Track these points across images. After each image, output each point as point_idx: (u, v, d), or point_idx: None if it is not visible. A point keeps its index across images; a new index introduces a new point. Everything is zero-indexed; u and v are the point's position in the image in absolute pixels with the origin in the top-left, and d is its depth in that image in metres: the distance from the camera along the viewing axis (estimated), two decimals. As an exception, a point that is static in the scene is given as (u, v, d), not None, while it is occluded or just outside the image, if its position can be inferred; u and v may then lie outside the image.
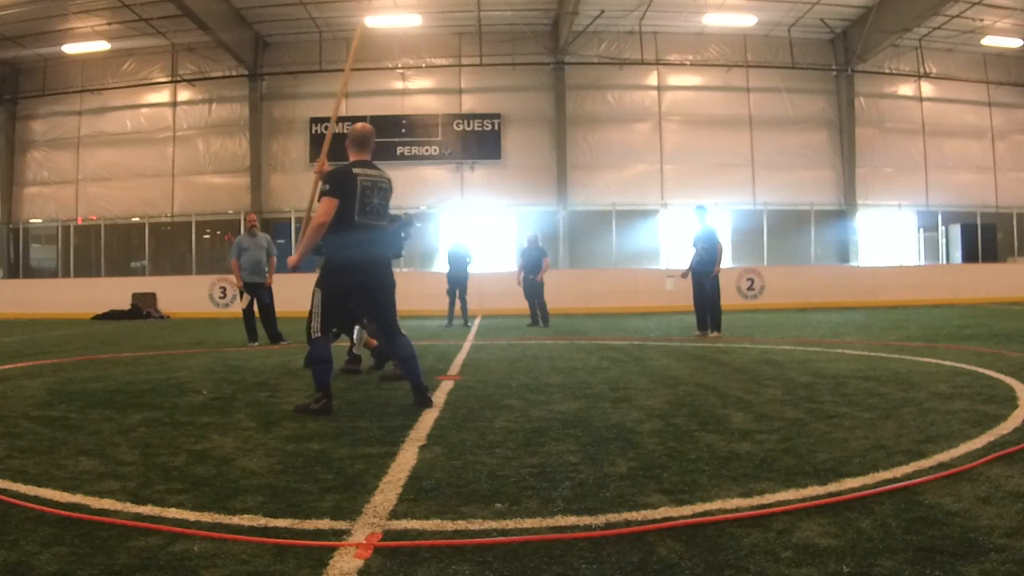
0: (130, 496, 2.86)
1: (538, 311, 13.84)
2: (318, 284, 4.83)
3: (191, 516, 2.62)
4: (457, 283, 14.54)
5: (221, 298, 19.74)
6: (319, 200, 4.77)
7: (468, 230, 21.76)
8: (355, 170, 4.81)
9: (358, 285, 4.82)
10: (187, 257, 22.55)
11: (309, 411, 4.66)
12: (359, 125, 5.12)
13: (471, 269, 14.84)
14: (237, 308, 11.30)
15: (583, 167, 22.43)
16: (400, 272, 22.91)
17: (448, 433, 4.01)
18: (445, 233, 21.77)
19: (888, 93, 23.26)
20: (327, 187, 4.72)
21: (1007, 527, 2.35)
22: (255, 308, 10.32)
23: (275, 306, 10.39)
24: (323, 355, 4.73)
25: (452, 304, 14.63)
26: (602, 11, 20.56)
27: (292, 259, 5.02)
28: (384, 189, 4.93)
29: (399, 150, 22.53)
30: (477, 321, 15.17)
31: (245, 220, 11.08)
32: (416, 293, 18.91)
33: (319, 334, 4.76)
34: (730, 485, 2.93)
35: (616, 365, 7.12)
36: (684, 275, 11.07)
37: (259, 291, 10.26)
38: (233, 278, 10.63)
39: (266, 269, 10.34)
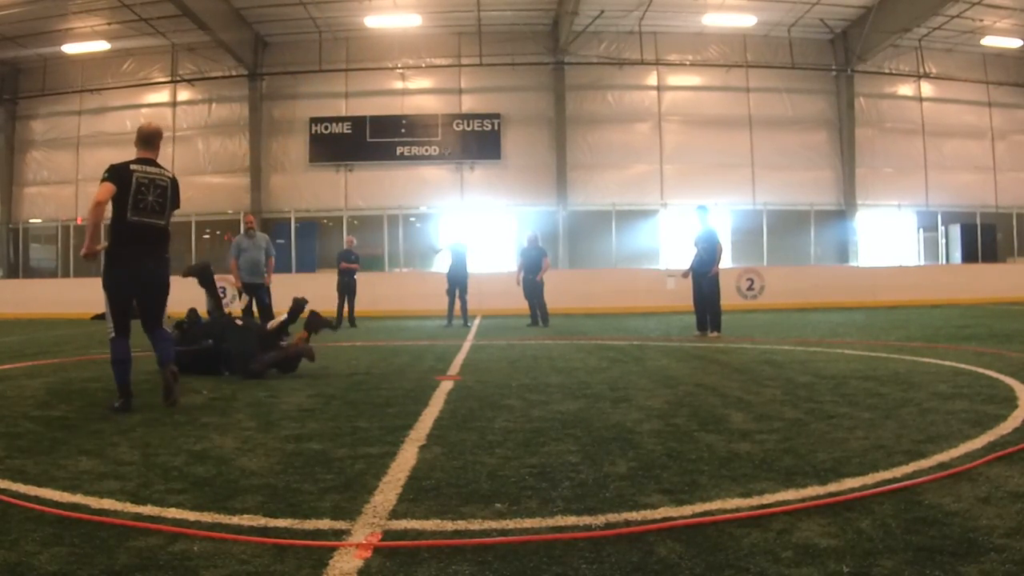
0: (130, 496, 2.86)
1: (538, 311, 13.82)
2: (103, 285, 4.91)
3: (191, 516, 2.62)
4: (457, 282, 14.44)
5: (221, 298, 19.72)
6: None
7: (468, 230, 21.75)
8: (133, 166, 4.90)
9: (135, 279, 4.94)
10: (187, 257, 22.52)
11: (114, 410, 4.73)
12: (148, 123, 5.22)
13: (469, 267, 14.79)
14: (237, 308, 11.30)
15: (583, 167, 22.43)
16: (400, 272, 22.81)
17: (448, 433, 4.01)
18: (445, 233, 21.76)
19: (888, 93, 23.26)
20: (105, 175, 4.83)
21: (1007, 527, 2.35)
22: (254, 308, 10.32)
23: (273, 306, 10.39)
24: (119, 355, 4.84)
25: (451, 304, 14.52)
26: (602, 11, 20.55)
27: (83, 250, 5.00)
28: (162, 187, 4.97)
29: (399, 150, 22.54)
30: (477, 321, 15.17)
31: (243, 220, 11.09)
32: (415, 294, 18.95)
33: (114, 334, 4.88)
34: (730, 485, 2.93)
35: (616, 365, 7.12)
36: (685, 275, 11.09)
37: (258, 291, 10.28)
38: (232, 278, 10.63)
39: (264, 270, 10.34)
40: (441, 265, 15.76)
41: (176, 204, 5.13)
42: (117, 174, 4.82)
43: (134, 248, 4.89)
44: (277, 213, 22.81)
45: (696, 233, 11.04)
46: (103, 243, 5.00)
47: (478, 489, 2.94)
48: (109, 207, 4.82)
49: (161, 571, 2.13)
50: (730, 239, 21.29)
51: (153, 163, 5.02)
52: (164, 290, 5.12)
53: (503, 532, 2.45)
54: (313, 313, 7.06)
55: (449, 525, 2.53)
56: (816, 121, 22.99)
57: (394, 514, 2.64)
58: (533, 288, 13.88)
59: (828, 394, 5.10)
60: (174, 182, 5.10)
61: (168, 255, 5.16)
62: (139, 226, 4.87)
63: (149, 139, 5.07)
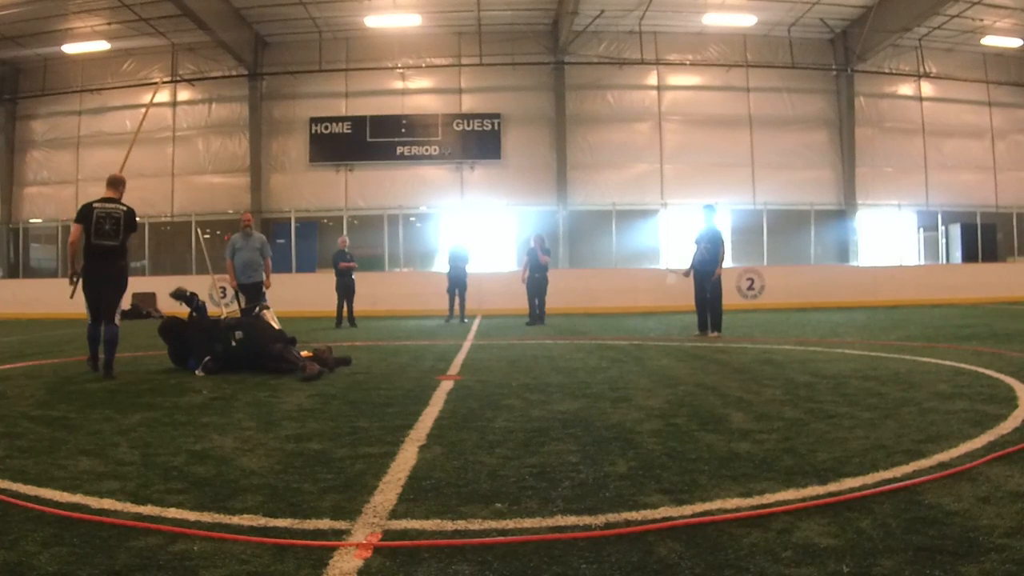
0: (130, 496, 2.87)
1: (537, 309, 14.02)
2: (82, 287, 6.81)
3: (191, 516, 2.62)
4: (457, 282, 15.07)
5: (221, 298, 19.72)
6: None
7: (468, 230, 21.79)
8: (95, 204, 6.73)
9: (99, 281, 6.72)
10: (187, 257, 22.53)
11: (87, 365, 6.86)
12: (115, 173, 7.17)
13: (469, 269, 15.36)
14: (236, 309, 11.26)
15: (583, 167, 22.43)
16: (400, 272, 22.79)
17: (448, 433, 4.01)
18: (445, 233, 21.78)
19: (888, 93, 23.26)
20: (76, 216, 6.74)
21: (1007, 527, 2.35)
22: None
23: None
24: (92, 334, 6.85)
25: (452, 302, 15.21)
26: (602, 11, 20.55)
27: (68, 274, 6.99)
28: (116, 218, 6.72)
29: (399, 150, 22.53)
30: (477, 321, 15.20)
31: (241, 220, 10.96)
32: (415, 294, 18.94)
33: (90, 321, 6.83)
34: (730, 485, 2.93)
35: (616, 365, 7.12)
36: (687, 274, 10.92)
37: (254, 291, 10.12)
38: (229, 277, 10.54)
39: (261, 270, 10.21)
40: (442, 266, 16.14)
41: (131, 228, 6.83)
42: (82, 214, 6.69)
43: (97, 261, 6.69)
44: (277, 213, 22.81)
45: (699, 231, 10.93)
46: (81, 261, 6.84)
47: (478, 489, 2.94)
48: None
49: (161, 571, 2.13)
50: (730, 239, 21.16)
51: (112, 200, 6.81)
52: (119, 289, 6.84)
53: (503, 532, 2.45)
54: (328, 351, 7.26)
55: (449, 525, 2.53)
56: (816, 121, 22.98)
57: (394, 514, 2.64)
58: (537, 285, 14.06)
59: (828, 394, 5.10)
60: (127, 213, 6.80)
61: (124, 264, 6.88)
62: (99, 247, 6.66)
63: (113, 183, 6.97)
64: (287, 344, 6.99)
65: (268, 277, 10.32)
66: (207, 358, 6.79)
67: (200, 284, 20.05)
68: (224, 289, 19.40)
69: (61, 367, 7.57)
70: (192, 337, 7.10)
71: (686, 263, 11.06)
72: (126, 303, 19.06)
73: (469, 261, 15.46)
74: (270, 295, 10.34)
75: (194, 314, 7.43)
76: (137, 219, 7.17)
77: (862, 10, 21.02)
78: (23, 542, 2.36)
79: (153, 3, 19.25)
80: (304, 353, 7.08)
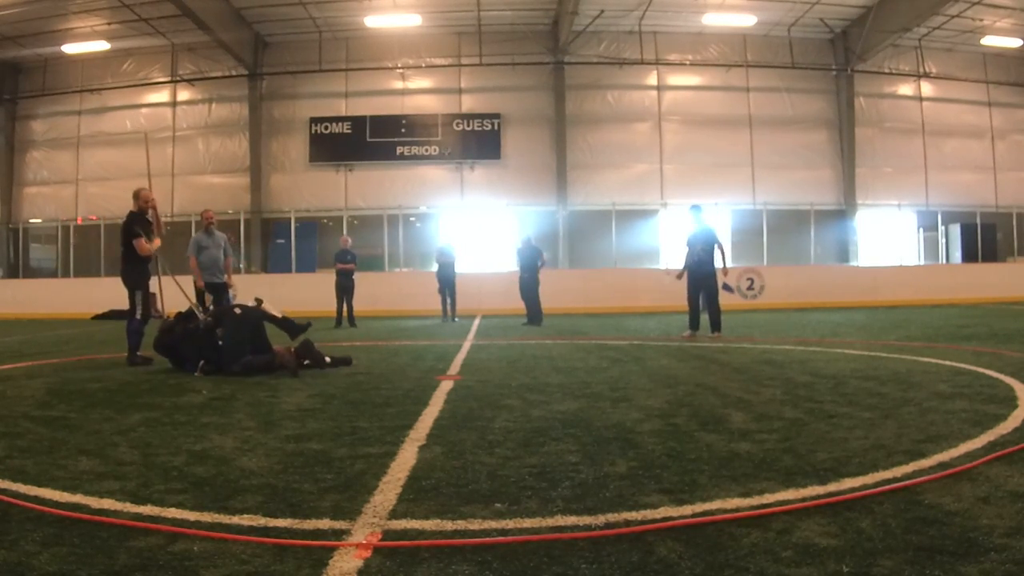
0: (130, 496, 2.86)
1: (532, 309, 14.05)
2: None
3: (191, 516, 2.62)
4: (447, 282, 15.39)
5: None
6: None
7: (468, 230, 21.79)
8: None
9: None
10: (187, 257, 22.49)
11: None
12: (139, 189, 8.20)
13: (457, 268, 15.73)
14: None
15: (583, 167, 22.43)
16: (400, 272, 22.79)
17: (448, 433, 4.01)
18: (445, 233, 21.80)
19: (888, 93, 23.26)
20: None
21: (1007, 527, 2.35)
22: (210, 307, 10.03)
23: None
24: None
25: (444, 302, 15.45)
26: (602, 11, 20.56)
27: None
28: (121, 229, 7.98)
29: (399, 150, 22.54)
30: (477, 321, 15.20)
31: (202, 217, 10.46)
32: (415, 293, 18.95)
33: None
34: (730, 485, 2.93)
35: (616, 365, 7.12)
36: (679, 276, 10.90)
37: (219, 291, 9.88)
38: (194, 276, 10.16)
39: (223, 269, 9.96)
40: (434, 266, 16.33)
41: (122, 237, 7.88)
42: None
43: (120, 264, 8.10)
44: (277, 213, 22.81)
45: (690, 233, 10.84)
46: None
47: (478, 489, 2.94)
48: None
49: (161, 571, 2.13)
50: (730, 239, 21.26)
51: (130, 213, 7.99)
52: (127, 287, 7.87)
53: (503, 532, 2.44)
54: (308, 342, 7.11)
55: (449, 525, 2.52)
56: (816, 121, 22.99)
57: (394, 514, 2.64)
58: (529, 286, 14.04)
59: (828, 394, 5.10)
60: (123, 224, 7.94)
61: (126, 266, 7.91)
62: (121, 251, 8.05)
63: (134, 196, 8.10)
64: (253, 363, 6.89)
65: (230, 276, 10.07)
66: (202, 362, 6.80)
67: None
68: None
69: (61, 367, 7.57)
70: (184, 349, 7.12)
71: (679, 264, 10.96)
72: (126, 303, 19.11)
73: (456, 260, 15.71)
74: (234, 293, 10.11)
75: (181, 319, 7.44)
76: (128, 225, 7.88)
77: (862, 10, 21.03)
78: (23, 542, 2.36)
79: (153, 3, 19.26)
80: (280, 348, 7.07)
